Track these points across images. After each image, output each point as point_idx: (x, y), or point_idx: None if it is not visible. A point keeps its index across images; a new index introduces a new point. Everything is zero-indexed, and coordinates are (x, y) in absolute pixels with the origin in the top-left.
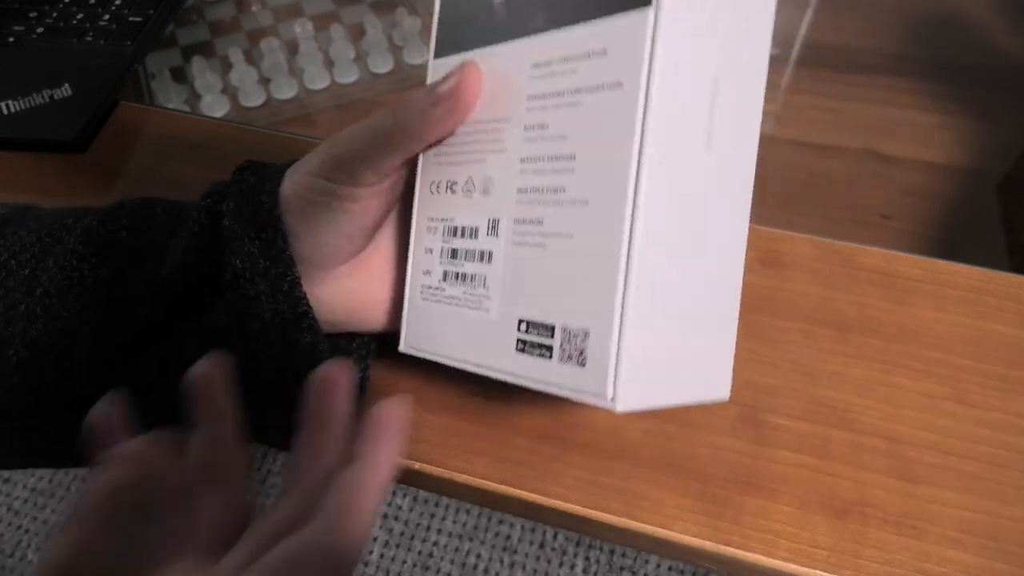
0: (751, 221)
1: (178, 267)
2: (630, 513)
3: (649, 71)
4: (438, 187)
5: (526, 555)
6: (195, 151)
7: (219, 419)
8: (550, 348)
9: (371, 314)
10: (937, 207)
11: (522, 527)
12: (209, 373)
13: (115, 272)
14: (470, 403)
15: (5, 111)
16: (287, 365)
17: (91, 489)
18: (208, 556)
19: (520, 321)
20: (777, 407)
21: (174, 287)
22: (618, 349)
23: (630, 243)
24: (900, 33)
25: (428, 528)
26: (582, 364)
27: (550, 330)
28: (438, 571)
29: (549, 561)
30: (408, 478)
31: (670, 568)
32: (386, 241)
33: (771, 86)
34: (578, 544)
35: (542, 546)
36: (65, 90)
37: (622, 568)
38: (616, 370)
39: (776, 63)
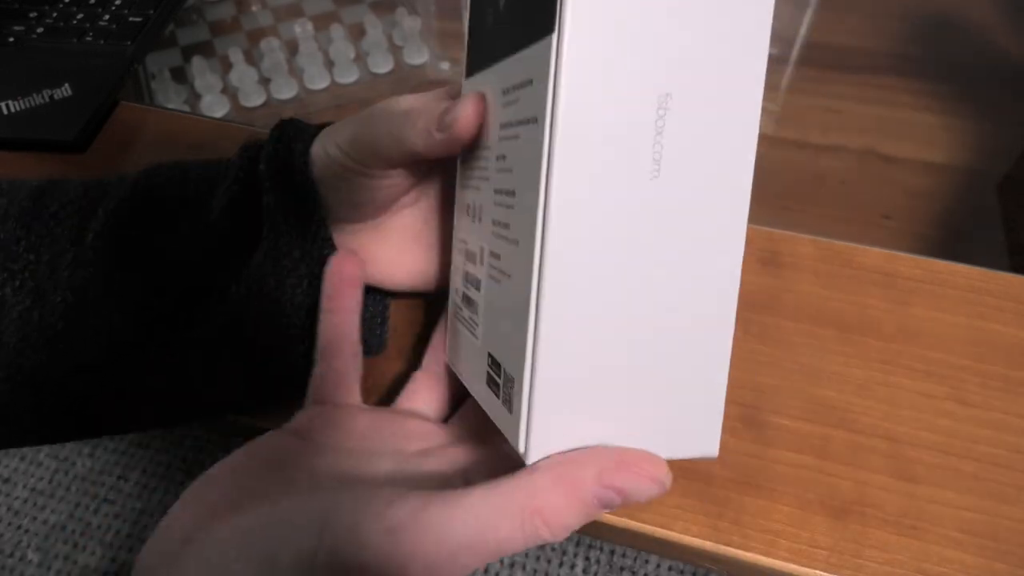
0: (752, 221)
1: (224, 212)
2: (630, 513)
3: (553, 104)
4: (461, 208)
5: (526, 555)
6: (195, 151)
7: (344, 310)
8: (499, 387)
9: (384, 270)
10: (937, 207)
11: None
12: (343, 268)
13: (164, 218)
14: None
15: (5, 111)
16: (316, 302)
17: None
18: None
19: (488, 354)
20: (777, 407)
21: (222, 231)
22: (528, 403)
23: (539, 288)
24: (900, 33)
25: None
26: (510, 410)
27: (500, 368)
28: None
29: (549, 561)
30: None
31: (670, 568)
32: (407, 208)
33: (771, 86)
34: (578, 544)
35: (542, 546)
36: (65, 90)
37: (622, 568)
38: (528, 424)
39: (776, 63)
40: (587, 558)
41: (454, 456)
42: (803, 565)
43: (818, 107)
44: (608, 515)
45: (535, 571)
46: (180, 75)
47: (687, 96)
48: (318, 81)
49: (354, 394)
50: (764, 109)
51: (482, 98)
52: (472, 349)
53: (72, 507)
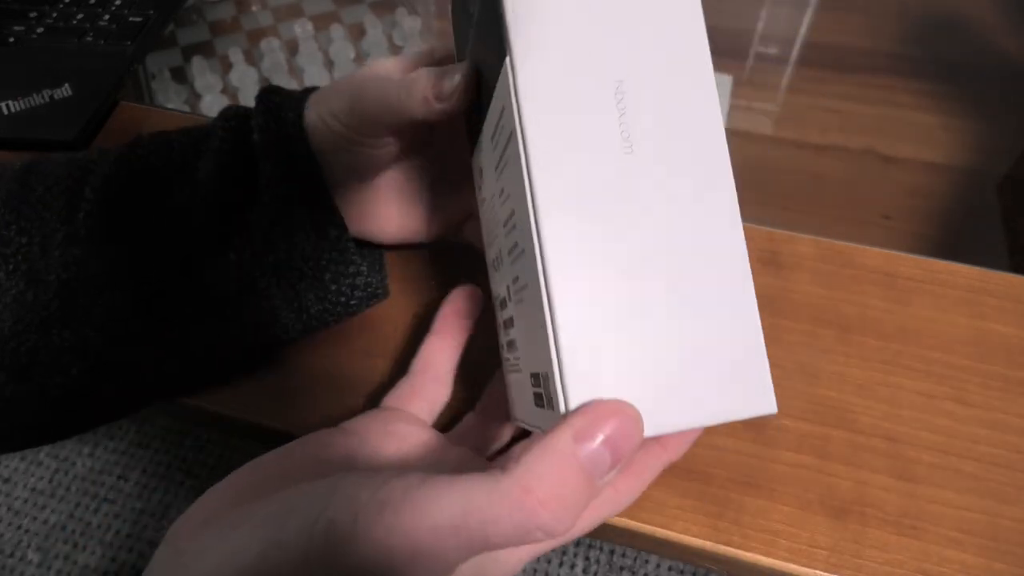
0: (752, 221)
1: (213, 178)
2: (630, 513)
3: (520, 118)
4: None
5: None
6: None
7: (447, 339)
8: (542, 396)
9: (375, 224)
10: (937, 207)
11: None
12: (460, 302)
13: (154, 187)
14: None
15: (5, 111)
16: (321, 255)
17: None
18: None
19: (530, 375)
20: (778, 407)
21: (212, 196)
22: (563, 388)
23: (546, 278)
24: (900, 33)
25: None
26: (552, 406)
27: (538, 377)
28: None
29: (549, 561)
30: None
31: (670, 568)
32: (392, 166)
33: (771, 86)
34: (578, 544)
35: None
36: (65, 90)
37: (622, 568)
38: (566, 405)
39: (776, 63)
40: (587, 558)
41: None
42: (803, 565)
43: (818, 107)
44: None
45: (535, 571)
46: (180, 75)
47: (639, 85)
48: (318, 81)
49: (422, 413)
50: (764, 109)
51: (473, 68)
52: (521, 385)
53: (72, 507)
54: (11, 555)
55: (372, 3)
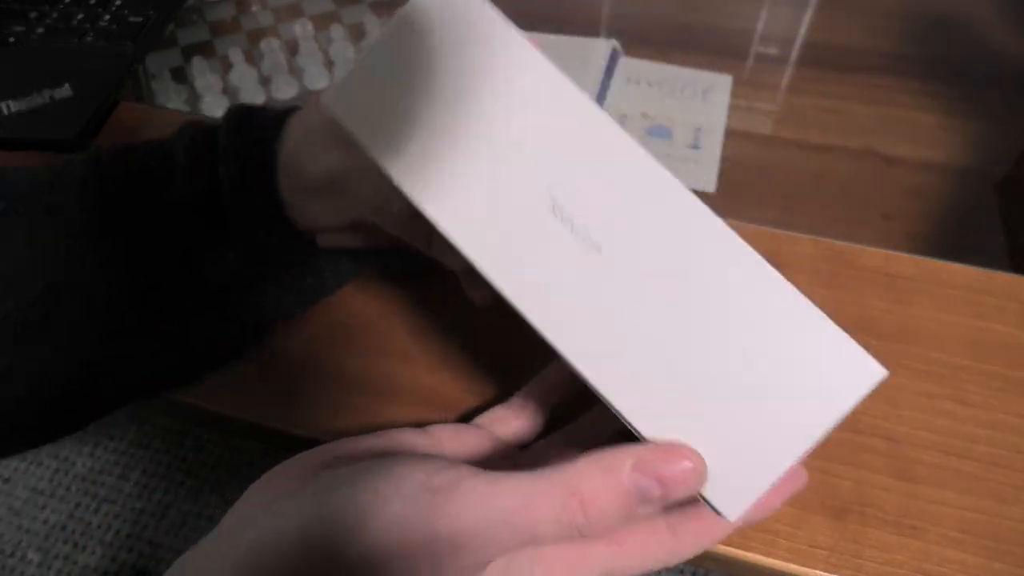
0: (752, 221)
1: (185, 196)
2: None
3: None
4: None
5: None
6: None
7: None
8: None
9: (311, 218)
10: (937, 207)
11: None
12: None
13: (144, 190)
14: (470, 406)
15: (5, 111)
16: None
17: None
18: None
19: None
20: None
21: (182, 212)
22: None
23: (633, 428)
24: (900, 33)
25: None
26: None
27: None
28: None
29: None
30: None
31: (669, 568)
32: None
33: (771, 86)
34: None
35: None
36: (65, 90)
37: None
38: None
39: (776, 63)
40: None
41: None
42: (803, 565)
43: (818, 107)
44: None
45: None
46: (180, 75)
47: (569, 188)
48: (318, 81)
49: (505, 437)
50: (764, 109)
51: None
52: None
53: (72, 507)
54: (11, 555)
55: (372, 3)
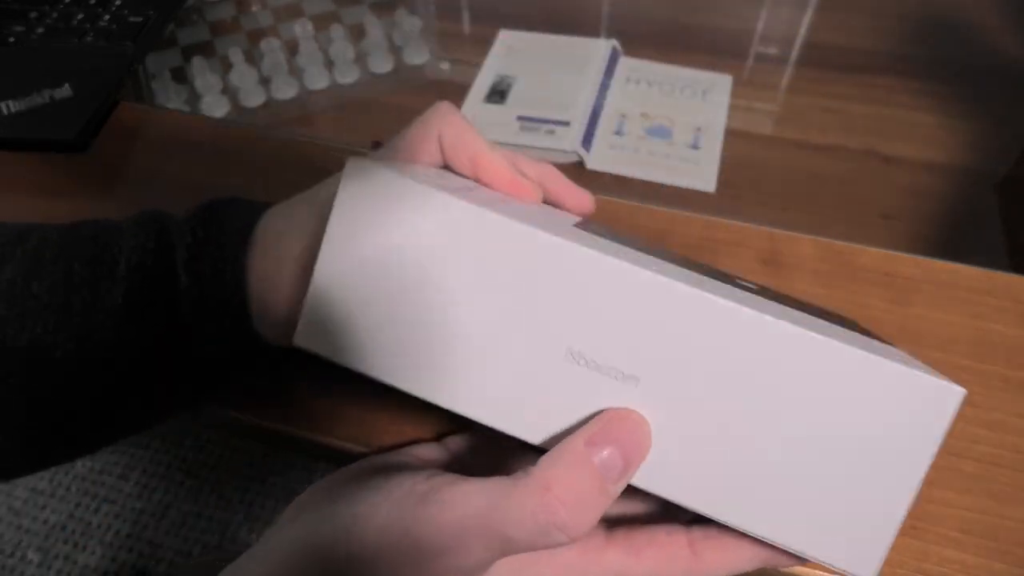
0: (752, 221)
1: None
2: None
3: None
4: None
5: None
6: (195, 151)
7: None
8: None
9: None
10: (937, 207)
11: None
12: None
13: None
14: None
15: (5, 111)
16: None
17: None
18: None
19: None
20: None
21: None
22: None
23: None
24: (900, 33)
25: None
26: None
27: None
28: None
29: None
30: None
31: None
32: None
33: (771, 86)
34: None
35: None
36: (65, 90)
37: None
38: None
39: (776, 63)
40: None
41: None
42: (803, 565)
43: (818, 107)
44: None
45: None
46: (180, 75)
47: (575, 333)
48: (318, 81)
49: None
50: (764, 109)
51: None
52: None
53: (72, 507)
54: (11, 555)
55: (372, 3)
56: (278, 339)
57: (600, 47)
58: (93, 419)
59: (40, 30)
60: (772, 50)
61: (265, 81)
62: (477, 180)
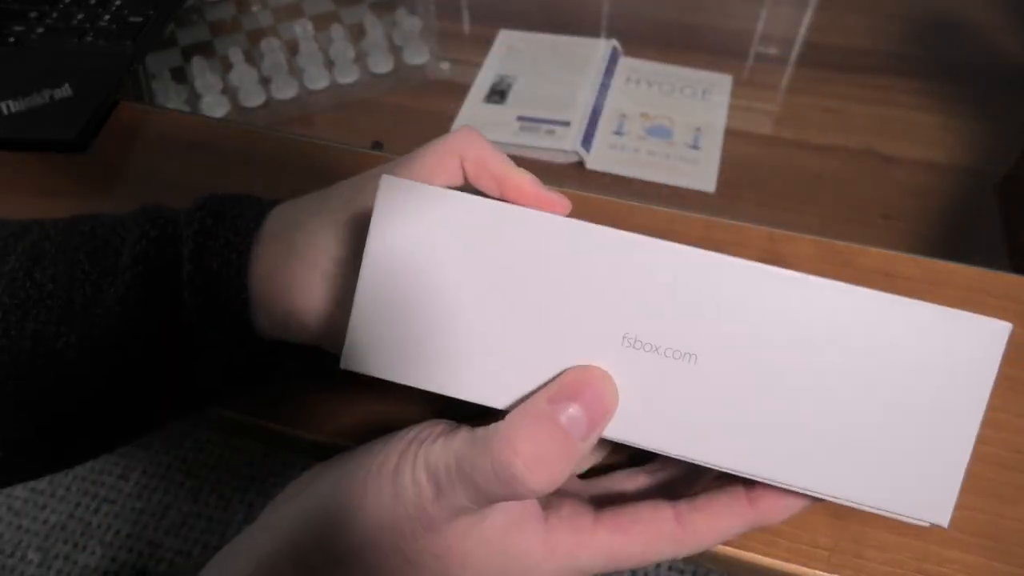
0: (752, 221)
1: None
2: None
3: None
4: None
5: None
6: (195, 151)
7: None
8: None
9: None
10: (937, 207)
11: None
12: None
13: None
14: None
15: (5, 111)
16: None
17: None
18: None
19: None
20: None
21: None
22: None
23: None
24: (900, 33)
25: None
26: None
27: None
28: None
29: None
30: None
31: (670, 568)
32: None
33: (771, 86)
34: None
35: None
36: (65, 90)
37: None
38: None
39: (776, 63)
40: None
41: None
42: (803, 565)
43: (818, 107)
44: None
45: None
46: (180, 75)
47: (630, 318)
48: (318, 81)
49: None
50: (764, 109)
51: None
52: None
53: (72, 507)
54: (11, 555)
55: (372, 3)
56: (273, 332)
57: (600, 47)
58: (97, 415)
59: (40, 30)
60: (772, 50)
61: (265, 81)
62: (502, 198)
